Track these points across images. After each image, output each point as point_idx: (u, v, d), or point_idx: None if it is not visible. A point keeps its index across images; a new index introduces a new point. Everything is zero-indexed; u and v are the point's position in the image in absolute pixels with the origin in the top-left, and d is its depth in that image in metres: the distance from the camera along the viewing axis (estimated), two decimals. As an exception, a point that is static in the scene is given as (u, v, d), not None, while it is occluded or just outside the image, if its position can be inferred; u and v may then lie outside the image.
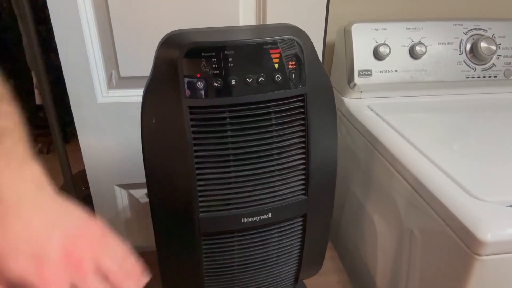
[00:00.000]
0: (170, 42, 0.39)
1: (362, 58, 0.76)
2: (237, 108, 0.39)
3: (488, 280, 0.47)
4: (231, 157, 0.41)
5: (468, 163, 0.57)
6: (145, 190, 0.69)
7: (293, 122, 0.43)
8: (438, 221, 0.51)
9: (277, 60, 0.41)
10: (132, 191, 0.69)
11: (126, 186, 0.68)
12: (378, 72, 0.77)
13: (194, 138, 0.39)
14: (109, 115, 0.61)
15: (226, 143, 0.40)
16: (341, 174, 0.83)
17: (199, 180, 0.41)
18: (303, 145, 0.44)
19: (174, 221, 0.44)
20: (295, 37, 0.41)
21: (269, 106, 0.41)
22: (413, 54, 0.77)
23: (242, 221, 0.43)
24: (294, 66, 0.42)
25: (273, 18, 0.58)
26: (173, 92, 0.38)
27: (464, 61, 0.79)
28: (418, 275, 0.57)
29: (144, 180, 0.67)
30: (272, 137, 0.42)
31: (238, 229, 0.44)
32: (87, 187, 0.88)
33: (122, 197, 0.69)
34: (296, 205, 0.46)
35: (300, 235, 0.49)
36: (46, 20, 0.56)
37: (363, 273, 0.72)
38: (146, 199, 0.68)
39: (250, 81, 0.39)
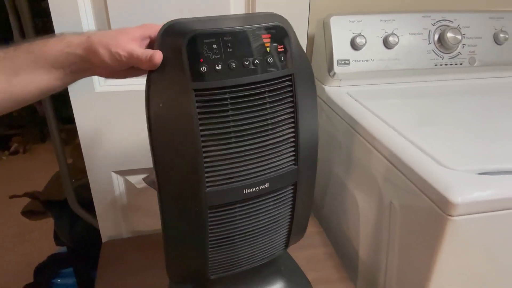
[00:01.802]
0: (173, 31, 0.42)
1: (340, 48, 0.82)
2: (237, 89, 0.43)
3: (459, 239, 0.53)
4: (232, 134, 0.44)
5: (439, 139, 0.64)
6: (141, 176, 0.72)
7: (284, 100, 0.48)
8: (414, 190, 0.57)
9: (268, 44, 0.45)
10: (129, 177, 0.72)
11: (123, 173, 0.71)
12: (355, 61, 0.83)
13: (200, 119, 0.42)
14: (107, 104, 0.64)
15: (228, 121, 0.44)
16: (324, 156, 0.88)
17: (205, 157, 0.44)
18: (292, 120, 0.49)
19: (183, 199, 0.46)
20: (281, 23, 0.46)
21: (264, 86, 0.45)
22: (386, 44, 0.83)
23: (244, 192, 0.47)
24: (283, 49, 0.46)
25: (261, 9, 0.62)
26: (178, 77, 0.41)
27: (433, 50, 0.86)
28: (397, 242, 0.63)
29: (140, 166, 0.71)
30: (267, 114, 0.46)
31: (240, 200, 0.48)
32: (77, 179, 0.91)
33: (119, 183, 0.72)
34: (288, 175, 0.51)
35: (291, 203, 0.54)
36: (42, 13, 0.59)
37: (347, 246, 0.78)
38: (143, 185, 0.71)
39: (247, 63, 0.43)
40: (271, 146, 0.48)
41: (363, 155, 0.72)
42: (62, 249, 1.17)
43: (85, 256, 0.94)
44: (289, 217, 0.55)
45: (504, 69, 0.91)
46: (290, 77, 0.47)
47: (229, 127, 0.44)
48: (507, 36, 0.87)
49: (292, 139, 0.50)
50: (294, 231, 0.57)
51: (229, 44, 0.42)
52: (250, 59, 0.44)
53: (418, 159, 0.58)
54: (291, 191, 0.53)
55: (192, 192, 0.45)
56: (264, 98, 0.46)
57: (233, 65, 0.43)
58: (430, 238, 0.54)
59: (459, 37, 0.84)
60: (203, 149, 0.44)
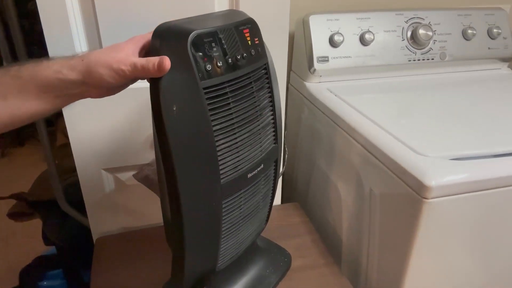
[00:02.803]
0: (172, 34, 0.43)
1: (319, 46, 0.86)
2: (234, 82, 0.46)
3: (434, 220, 0.57)
4: (235, 125, 0.47)
5: (414, 129, 0.68)
6: (131, 173, 0.74)
7: (264, 87, 0.52)
8: (392, 177, 0.61)
9: (249, 38, 0.49)
10: (119, 175, 0.74)
11: (113, 170, 0.73)
12: (334, 58, 0.86)
13: (210, 115, 0.44)
14: (96, 103, 0.65)
15: (231, 113, 0.46)
16: (307, 150, 0.92)
17: (218, 151, 0.46)
18: (271, 103, 0.54)
19: (201, 196, 0.47)
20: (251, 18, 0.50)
21: (251, 77, 0.49)
22: (363, 41, 0.88)
23: (248, 177, 0.51)
24: (258, 42, 0.50)
25: (245, 9, 0.65)
26: (188, 78, 0.42)
27: (406, 46, 0.91)
28: (378, 227, 0.67)
29: (129, 163, 0.73)
30: (255, 102, 0.50)
31: (245, 185, 0.51)
32: (64, 179, 0.91)
33: (108, 181, 0.73)
34: (271, 153, 0.55)
35: (273, 178, 0.59)
36: (29, 14, 0.60)
37: (331, 233, 0.82)
38: (133, 182, 0.73)
39: (239, 57, 0.46)
40: (261, 130, 0.52)
41: (343, 147, 0.76)
42: (50, 250, 1.16)
43: (75, 255, 0.95)
44: (272, 191, 0.60)
45: (472, 63, 0.97)
46: (265, 66, 0.52)
47: (232, 118, 0.47)
48: (474, 32, 0.93)
49: (272, 121, 0.55)
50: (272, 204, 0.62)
51: (223, 41, 0.45)
52: (241, 53, 0.47)
53: (395, 148, 0.62)
54: (274, 167, 0.57)
55: (210, 187, 0.47)
56: (252, 87, 0.49)
57: (230, 60, 0.45)
58: (408, 221, 0.59)
59: (430, 33, 0.89)
60: (216, 143, 0.46)
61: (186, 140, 0.43)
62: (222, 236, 0.52)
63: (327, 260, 0.70)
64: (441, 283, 0.65)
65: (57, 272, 1.15)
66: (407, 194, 0.58)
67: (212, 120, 0.44)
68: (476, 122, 0.71)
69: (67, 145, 1.00)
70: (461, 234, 0.60)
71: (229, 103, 0.46)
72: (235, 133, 0.47)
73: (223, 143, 0.46)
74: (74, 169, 0.84)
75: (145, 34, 0.45)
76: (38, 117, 0.44)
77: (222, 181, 0.47)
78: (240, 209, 0.52)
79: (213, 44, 0.43)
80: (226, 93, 0.45)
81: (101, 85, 0.43)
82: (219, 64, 0.44)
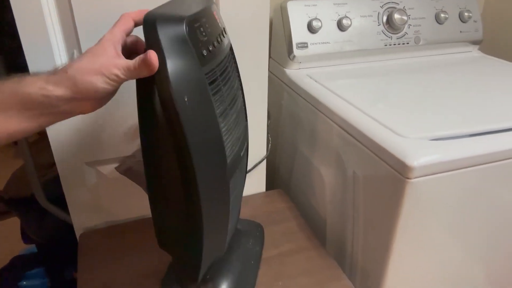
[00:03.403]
0: (167, 22, 0.40)
1: (298, 32, 0.86)
2: (221, 65, 0.46)
3: (417, 199, 0.59)
4: (228, 107, 0.47)
5: (394, 112, 0.70)
6: (113, 166, 0.72)
7: (234, 68, 0.53)
8: (375, 158, 0.62)
9: (218, 20, 0.48)
10: (100, 168, 0.72)
11: (94, 163, 0.71)
12: (313, 44, 0.87)
13: (214, 101, 0.43)
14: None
15: (223, 95, 0.46)
16: (289, 137, 0.93)
17: (224, 136, 0.45)
18: (240, 82, 0.55)
19: (214, 182, 0.46)
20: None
21: (230, 57, 0.49)
22: (340, 26, 0.88)
23: (241, 155, 0.51)
24: (221, 22, 0.50)
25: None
26: (191, 66, 0.40)
27: (382, 31, 0.92)
28: (362, 209, 0.69)
29: (111, 156, 0.71)
30: (233, 83, 0.50)
31: (239, 163, 0.51)
32: (41, 176, 0.89)
33: (90, 175, 0.72)
34: (245, 131, 0.57)
35: (247, 155, 0.60)
36: None
37: (316, 217, 0.83)
38: (115, 175, 0.72)
39: (220, 39, 0.46)
40: (243, 109, 0.52)
41: (325, 132, 0.77)
42: (28, 249, 1.14)
43: (57, 252, 0.93)
44: (245, 168, 0.61)
45: (445, 46, 1.00)
46: (231, 46, 0.52)
47: (224, 101, 0.46)
48: (447, 16, 0.95)
49: (242, 99, 0.56)
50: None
51: (207, 25, 0.44)
52: (219, 36, 0.47)
53: (376, 131, 0.64)
54: (246, 145, 0.58)
55: (221, 172, 0.46)
56: (229, 69, 0.49)
57: (215, 43, 0.45)
58: (391, 201, 0.60)
59: (405, 18, 0.91)
60: (220, 128, 0.45)
61: (199, 130, 0.42)
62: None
63: (314, 243, 0.72)
64: (425, 262, 0.67)
65: (37, 271, 1.13)
66: (390, 175, 0.59)
67: (215, 106, 0.44)
68: (452, 103, 0.73)
69: (39, 140, 0.97)
70: (443, 212, 0.63)
71: (220, 87, 0.45)
72: (228, 114, 0.47)
73: (222, 127, 0.45)
74: (50, 165, 0.82)
75: (113, 29, 0.42)
76: (20, 135, 0.41)
77: (228, 163, 0.47)
78: (236, 189, 0.53)
79: (202, 29, 0.43)
80: (217, 77, 0.45)
81: (94, 95, 0.40)
82: (210, 48, 0.43)
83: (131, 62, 0.40)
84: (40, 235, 0.90)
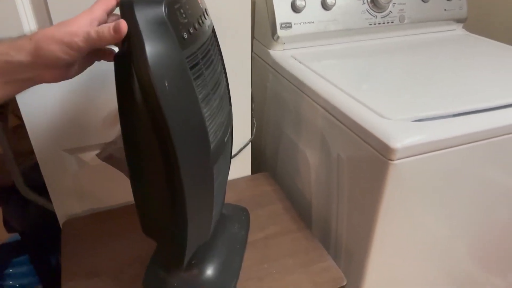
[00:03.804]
0: (144, 3, 0.38)
1: (282, 12, 0.84)
2: (203, 48, 0.44)
3: (400, 180, 0.59)
4: (210, 91, 0.45)
5: (377, 94, 0.69)
6: (94, 153, 0.71)
7: (217, 51, 0.51)
8: (358, 141, 0.62)
9: (200, 1, 0.47)
10: (81, 155, 0.70)
11: (74, 150, 0.69)
12: (297, 24, 0.85)
13: (196, 86, 0.42)
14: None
15: (205, 79, 0.44)
16: (274, 119, 0.92)
17: (206, 121, 0.44)
18: (223, 66, 0.53)
19: (197, 168, 0.45)
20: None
21: (212, 40, 0.47)
22: (325, 6, 0.87)
23: (225, 141, 0.50)
24: (202, 3, 0.48)
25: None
26: (171, 49, 0.39)
27: (367, 10, 0.91)
28: (346, 191, 0.69)
29: (91, 143, 0.70)
30: (218, 64, 0.49)
31: (223, 149, 0.50)
32: (20, 163, 0.87)
33: (70, 162, 0.70)
34: (230, 116, 0.56)
35: (231, 140, 0.60)
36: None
37: (301, 199, 0.84)
38: (97, 162, 0.70)
39: (201, 21, 0.44)
40: (226, 94, 0.51)
41: (310, 114, 0.76)
42: (13, 237, 1.12)
43: (41, 240, 0.92)
44: (230, 153, 0.61)
45: (429, 25, 0.99)
46: (213, 28, 0.51)
47: (206, 85, 0.45)
48: (431, -6, 0.94)
49: (226, 83, 0.55)
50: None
51: (187, 6, 0.42)
52: (200, 18, 0.45)
53: (360, 113, 0.63)
54: (230, 130, 0.57)
55: (204, 158, 0.45)
56: (214, 50, 0.48)
57: (196, 25, 0.43)
58: (375, 183, 0.61)
59: (389, -4, 0.90)
60: (203, 114, 0.43)
61: (180, 116, 0.41)
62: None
63: (299, 225, 0.72)
64: (408, 241, 0.68)
65: (23, 258, 1.12)
66: (374, 157, 0.59)
67: (197, 90, 0.42)
68: (436, 83, 0.73)
69: (19, 127, 0.95)
70: (426, 192, 0.63)
71: (202, 71, 0.44)
72: (210, 99, 0.46)
73: (205, 112, 0.44)
74: (31, 152, 0.80)
75: (93, 6, 0.41)
76: None
77: (211, 148, 0.46)
78: (220, 175, 0.52)
79: (182, 10, 0.41)
80: (199, 61, 0.43)
81: (53, 64, 0.39)
82: (191, 31, 0.41)
83: (93, 29, 0.38)
84: (23, 224, 0.89)
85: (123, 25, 0.37)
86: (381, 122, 0.60)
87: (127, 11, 0.37)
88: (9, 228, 0.93)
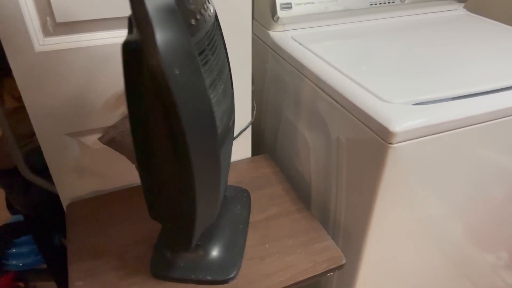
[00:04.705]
0: None
1: (281, -8, 0.83)
2: (207, 33, 0.44)
3: (399, 163, 0.60)
4: (216, 77, 0.46)
5: (377, 76, 0.69)
6: (95, 136, 0.71)
7: (220, 36, 0.51)
8: (358, 124, 0.63)
9: None
10: (82, 139, 0.71)
11: (76, 134, 0.70)
12: (297, 4, 0.84)
13: (203, 72, 0.42)
14: (50, 63, 0.61)
15: (211, 65, 0.44)
16: (274, 101, 0.92)
17: (213, 107, 0.44)
18: (225, 51, 0.54)
19: (206, 152, 0.46)
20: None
21: (216, 25, 0.47)
22: (325, -14, 0.86)
23: (229, 125, 0.51)
24: None
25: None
26: (180, 36, 0.38)
27: (368, -10, 0.90)
28: (345, 173, 0.70)
29: (93, 126, 0.70)
30: (222, 50, 0.49)
31: (228, 133, 0.51)
32: (22, 146, 0.87)
33: (73, 146, 0.71)
34: (233, 100, 0.57)
35: (233, 124, 0.60)
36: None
37: (301, 181, 0.85)
38: (99, 145, 0.71)
39: (206, 7, 0.44)
40: (229, 78, 0.52)
41: (309, 96, 0.76)
42: (15, 217, 1.13)
43: (44, 222, 0.93)
44: (232, 137, 0.62)
45: (430, 5, 0.98)
46: (216, 14, 0.51)
47: (212, 71, 0.45)
48: (433, -27, 0.93)
49: (229, 69, 0.55)
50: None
51: None
52: (206, 2, 0.45)
53: (360, 96, 0.64)
54: (233, 115, 0.58)
55: (211, 143, 0.46)
56: (218, 36, 0.48)
57: (202, 10, 0.43)
58: (374, 165, 0.62)
59: (390, -24, 0.89)
60: (211, 100, 0.44)
61: (190, 104, 0.41)
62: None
63: (299, 206, 0.74)
64: (404, 222, 0.70)
65: (26, 238, 1.14)
66: (373, 140, 0.60)
67: (204, 77, 0.42)
68: (435, 65, 0.73)
69: (20, 108, 0.94)
70: (424, 174, 0.65)
71: (209, 57, 0.44)
72: (216, 87, 0.46)
73: (212, 98, 0.44)
74: (31, 135, 0.81)
75: None
76: None
77: (218, 132, 0.46)
78: (226, 159, 0.53)
79: None
80: (205, 47, 0.43)
81: None
82: (198, 17, 0.41)
83: None
84: (26, 206, 0.90)
85: None
86: (381, 105, 0.61)
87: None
88: (12, 210, 0.95)
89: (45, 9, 0.58)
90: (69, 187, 0.75)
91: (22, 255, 1.14)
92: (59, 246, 1.07)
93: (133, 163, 0.75)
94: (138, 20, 0.37)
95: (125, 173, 0.77)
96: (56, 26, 0.60)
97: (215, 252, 0.61)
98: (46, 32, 0.60)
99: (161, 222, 0.56)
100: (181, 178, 0.46)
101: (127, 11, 0.62)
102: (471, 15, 1.00)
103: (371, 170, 0.62)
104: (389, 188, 0.63)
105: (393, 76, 0.70)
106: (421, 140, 0.59)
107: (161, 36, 0.37)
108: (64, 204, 0.76)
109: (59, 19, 0.59)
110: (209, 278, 0.58)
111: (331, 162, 0.73)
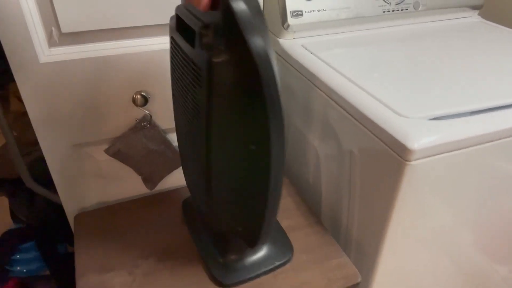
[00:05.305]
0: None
1: (292, -1, 0.81)
2: None
3: (417, 180, 0.58)
4: None
5: (392, 87, 0.67)
6: (101, 148, 0.70)
7: None
8: (373, 138, 0.61)
9: None
10: (88, 150, 0.69)
11: (81, 146, 0.68)
12: (308, 12, 0.82)
13: None
14: (55, 75, 0.59)
15: None
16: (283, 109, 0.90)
17: None
18: None
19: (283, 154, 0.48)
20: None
21: None
22: (337, -8, 0.83)
23: None
24: None
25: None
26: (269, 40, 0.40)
27: (381, -3, 0.87)
28: (358, 188, 0.68)
29: (98, 138, 0.68)
30: None
31: None
32: (27, 154, 0.85)
33: (78, 157, 0.69)
34: None
35: None
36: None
37: (312, 194, 0.83)
38: (105, 157, 0.69)
39: None
40: None
41: (321, 107, 0.74)
42: (18, 224, 1.12)
43: (48, 232, 0.91)
44: None
45: (444, 12, 0.96)
46: None
47: None
48: (447, -21, 0.90)
49: None
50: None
51: None
52: None
53: (374, 109, 0.62)
54: None
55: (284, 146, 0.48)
56: None
57: None
58: (390, 182, 0.59)
59: (405, -18, 0.86)
60: None
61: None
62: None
63: (311, 220, 0.72)
64: (419, 238, 0.68)
65: (30, 244, 1.12)
66: (389, 156, 0.58)
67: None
68: (452, 76, 0.71)
69: (25, 114, 0.93)
70: (442, 192, 0.62)
71: None
72: None
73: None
74: (37, 142, 0.79)
75: None
76: None
77: None
78: None
79: None
80: None
81: None
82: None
83: None
84: (30, 217, 0.88)
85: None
86: (398, 120, 0.59)
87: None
88: (15, 219, 0.93)
89: (50, 19, 0.56)
90: (74, 199, 0.74)
91: (26, 261, 1.13)
92: (65, 254, 1.05)
93: (139, 174, 0.74)
94: (235, 26, 0.38)
95: (131, 184, 0.75)
96: (61, 37, 0.58)
97: (265, 251, 0.64)
98: (51, 43, 0.58)
99: (225, 230, 0.57)
100: (265, 181, 0.48)
101: (133, 21, 0.60)
102: (487, 23, 0.97)
103: (387, 185, 0.60)
104: (404, 205, 0.61)
105: (408, 87, 0.67)
106: (439, 157, 0.57)
107: (257, 41, 0.39)
108: (69, 215, 0.75)
109: (64, 29, 0.57)
110: (277, 263, 0.63)
111: (343, 175, 0.71)
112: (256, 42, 0.38)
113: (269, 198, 0.49)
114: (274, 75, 0.41)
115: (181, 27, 0.47)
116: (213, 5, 0.41)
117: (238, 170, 0.50)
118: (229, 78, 0.41)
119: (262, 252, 0.64)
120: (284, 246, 0.66)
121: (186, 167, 0.63)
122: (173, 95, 0.56)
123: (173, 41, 0.51)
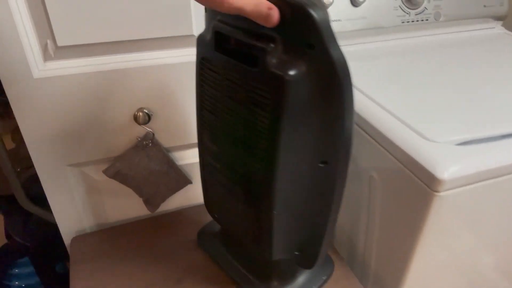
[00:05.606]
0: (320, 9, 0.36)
1: (306, 8, 0.76)
2: None
3: (445, 212, 0.52)
4: None
5: (415, 106, 0.62)
6: (100, 167, 0.65)
7: None
8: (396, 164, 0.55)
9: None
10: (85, 169, 0.64)
11: (78, 165, 0.63)
12: (322, 22, 0.77)
13: None
14: (50, 90, 0.55)
15: None
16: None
17: None
18: None
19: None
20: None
21: None
22: (354, 2, 0.78)
23: None
24: None
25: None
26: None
27: (400, 7, 0.82)
28: (378, 216, 0.62)
29: (96, 157, 0.63)
30: None
31: None
32: (25, 168, 0.81)
33: (75, 177, 0.64)
34: None
35: None
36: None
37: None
38: (102, 177, 0.64)
39: None
40: None
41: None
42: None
43: (44, 252, 0.87)
44: None
45: (467, 22, 0.90)
46: None
47: None
48: (471, -12, 0.85)
49: None
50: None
51: None
52: None
53: (397, 131, 0.56)
54: None
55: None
56: None
57: None
58: (415, 213, 0.54)
59: (425, -9, 0.81)
60: None
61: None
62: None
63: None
64: (445, 269, 0.62)
65: (28, 259, 1.08)
66: (416, 186, 0.52)
67: None
68: (477, 93, 0.65)
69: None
70: (470, 223, 0.57)
71: None
72: None
73: None
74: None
75: None
76: None
77: None
78: None
79: None
80: None
81: None
82: None
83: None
84: (24, 237, 0.83)
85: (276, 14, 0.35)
86: (424, 145, 0.53)
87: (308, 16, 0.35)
88: (10, 240, 0.88)
89: (45, 31, 0.51)
90: (70, 221, 0.69)
91: (24, 275, 1.09)
92: (63, 274, 1.00)
93: (140, 196, 0.69)
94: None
95: (130, 205, 0.70)
96: (57, 50, 0.53)
97: (301, 279, 0.61)
98: (46, 57, 0.54)
99: (283, 256, 0.53)
100: (328, 199, 0.47)
101: (134, 33, 0.55)
102: (511, 34, 0.91)
103: (411, 216, 0.55)
104: (431, 237, 0.55)
105: (431, 106, 0.62)
106: (470, 188, 0.51)
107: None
108: (65, 238, 0.70)
109: (60, 42, 0.52)
110: (324, 278, 0.63)
111: (361, 202, 0.66)
112: (337, 51, 0.37)
113: (330, 217, 0.48)
114: (352, 84, 0.39)
115: (220, 45, 0.42)
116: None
117: (301, 193, 0.47)
118: (303, 94, 0.38)
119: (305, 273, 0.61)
120: (323, 262, 0.62)
121: (217, 198, 0.57)
122: (202, 122, 0.51)
123: (206, 62, 0.45)
